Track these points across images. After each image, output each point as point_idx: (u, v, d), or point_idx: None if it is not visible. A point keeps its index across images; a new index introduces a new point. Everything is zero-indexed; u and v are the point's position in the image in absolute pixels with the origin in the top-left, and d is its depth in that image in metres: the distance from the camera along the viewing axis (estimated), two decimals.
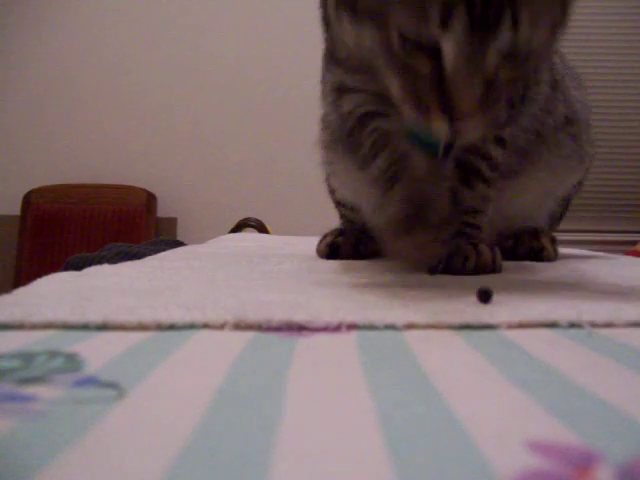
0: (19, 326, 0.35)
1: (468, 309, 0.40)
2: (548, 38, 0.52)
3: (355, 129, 0.75)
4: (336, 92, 0.77)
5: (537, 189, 0.89)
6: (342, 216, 0.98)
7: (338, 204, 0.97)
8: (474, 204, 0.73)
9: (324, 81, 0.80)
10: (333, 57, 0.70)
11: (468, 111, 0.50)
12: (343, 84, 0.73)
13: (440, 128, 0.51)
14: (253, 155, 2.53)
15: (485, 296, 0.43)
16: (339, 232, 0.90)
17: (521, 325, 0.37)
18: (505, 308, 0.40)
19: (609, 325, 0.37)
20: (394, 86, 0.54)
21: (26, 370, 0.27)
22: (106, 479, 0.17)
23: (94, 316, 0.36)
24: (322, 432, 0.20)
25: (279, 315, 0.37)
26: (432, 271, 0.62)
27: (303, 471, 0.17)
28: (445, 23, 0.48)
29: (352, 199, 0.92)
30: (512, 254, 0.87)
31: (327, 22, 0.65)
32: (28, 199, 2.43)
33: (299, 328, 0.36)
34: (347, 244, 0.87)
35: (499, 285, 0.52)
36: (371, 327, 0.36)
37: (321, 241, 0.90)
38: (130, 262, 0.72)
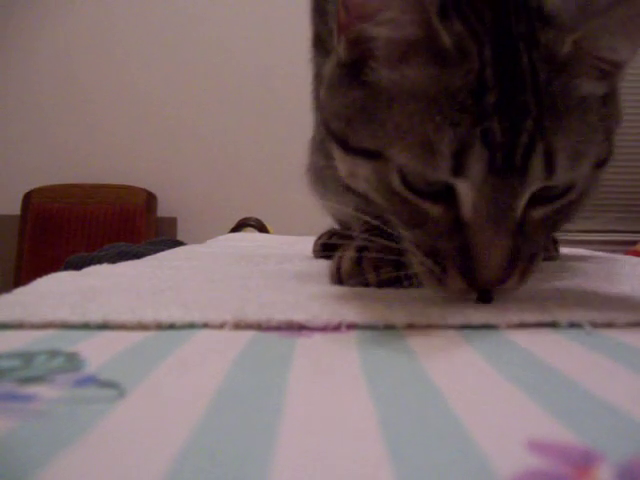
0: (19, 326, 0.35)
1: (468, 309, 0.40)
2: (592, 174, 0.42)
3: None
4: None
5: None
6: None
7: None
8: None
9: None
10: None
11: (496, 272, 0.39)
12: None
13: (460, 292, 0.41)
14: (253, 155, 2.53)
15: (485, 296, 0.43)
16: (333, 232, 0.90)
17: (521, 325, 0.37)
18: (505, 308, 0.40)
19: (609, 325, 0.37)
20: (400, 230, 0.44)
21: (26, 370, 0.27)
22: (106, 479, 0.17)
23: (94, 316, 0.36)
24: (322, 432, 0.20)
25: (279, 315, 0.37)
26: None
27: (303, 471, 0.17)
28: (459, 169, 0.38)
29: (343, 220, 0.90)
30: None
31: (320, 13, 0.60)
32: (28, 199, 2.43)
33: (299, 328, 0.36)
34: (340, 243, 0.86)
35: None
36: (371, 327, 0.36)
37: (316, 241, 0.91)
38: (130, 262, 0.72)
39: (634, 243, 2.17)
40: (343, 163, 0.45)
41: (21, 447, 0.18)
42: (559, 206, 0.41)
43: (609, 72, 0.42)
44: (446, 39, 0.38)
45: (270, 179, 2.51)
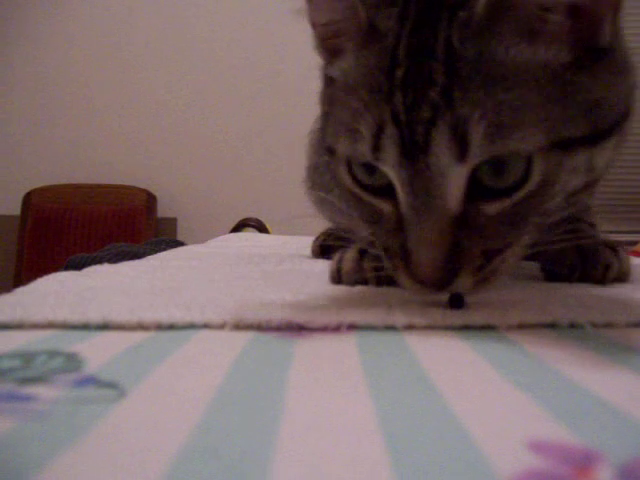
0: (19, 326, 0.35)
1: (468, 309, 0.40)
2: (557, 158, 0.35)
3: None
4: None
5: None
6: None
7: None
8: None
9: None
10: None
11: (430, 270, 0.36)
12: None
13: (407, 286, 0.39)
14: (253, 155, 2.53)
15: (455, 301, 0.41)
16: (330, 232, 0.91)
17: (521, 325, 0.37)
18: (505, 308, 0.40)
19: (609, 325, 0.37)
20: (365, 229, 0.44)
21: (26, 370, 0.27)
22: (106, 479, 0.17)
23: (94, 316, 0.36)
24: (322, 432, 0.20)
25: (279, 315, 0.37)
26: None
27: (303, 471, 0.17)
28: (377, 151, 0.36)
29: (345, 224, 0.90)
30: None
31: None
32: (28, 199, 2.43)
33: (299, 328, 0.36)
34: (338, 243, 0.86)
35: (499, 285, 0.52)
36: (371, 328, 0.36)
37: (315, 241, 0.91)
38: (130, 262, 0.72)
39: (634, 243, 2.17)
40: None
41: (21, 447, 0.18)
42: (519, 199, 0.36)
43: (555, 30, 0.35)
44: (363, 17, 0.37)
45: (270, 179, 2.51)
